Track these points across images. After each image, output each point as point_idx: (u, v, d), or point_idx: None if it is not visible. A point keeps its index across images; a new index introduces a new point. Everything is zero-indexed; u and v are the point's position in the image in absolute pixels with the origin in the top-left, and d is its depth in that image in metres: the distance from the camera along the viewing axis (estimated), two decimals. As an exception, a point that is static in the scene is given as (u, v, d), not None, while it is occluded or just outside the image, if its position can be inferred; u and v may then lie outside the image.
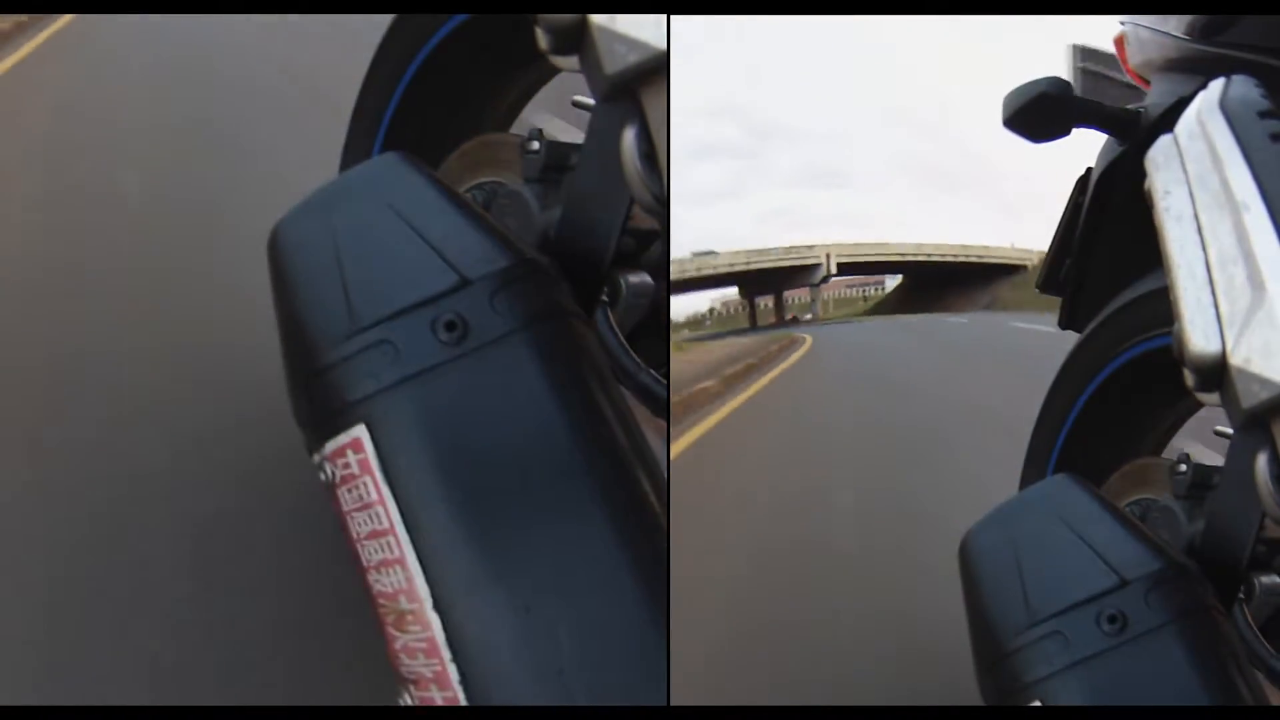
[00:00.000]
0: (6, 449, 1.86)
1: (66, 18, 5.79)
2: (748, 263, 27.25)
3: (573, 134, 1.32)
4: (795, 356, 10.73)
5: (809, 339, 14.02)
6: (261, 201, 1.35)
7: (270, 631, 1.51)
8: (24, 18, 5.56)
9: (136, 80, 4.60)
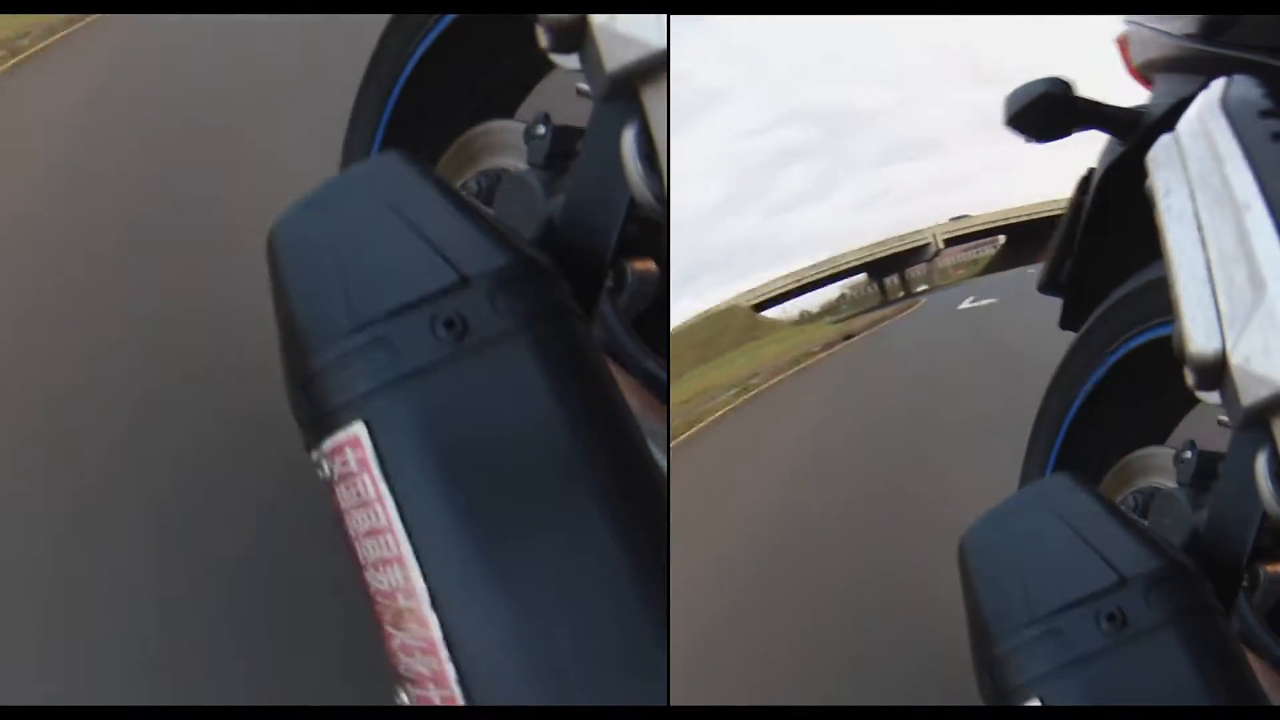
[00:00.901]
0: (6, 447, 1.86)
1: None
2: (871, 255, 32.33)
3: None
4: (914, 308, 19.01)
5: (924, 300, 21.83)
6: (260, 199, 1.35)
7: (268, 630, 1.51)
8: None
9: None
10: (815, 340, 13.96)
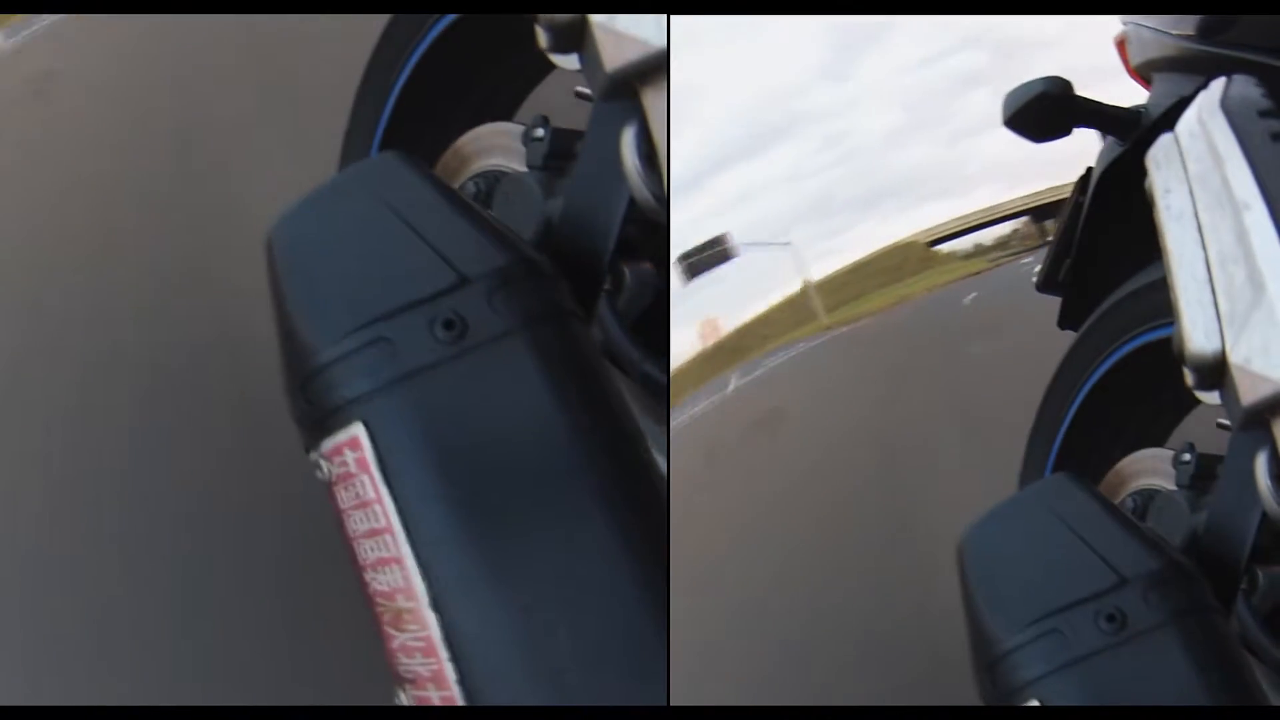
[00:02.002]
0: (5, 447, 1.86)
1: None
2: (1031, 202, 37.65)
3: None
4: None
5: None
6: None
7: (269, 631, 1.51)
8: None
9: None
10: (970, 270, 22.56)
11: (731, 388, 13.87)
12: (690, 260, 28.02)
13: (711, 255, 28.43)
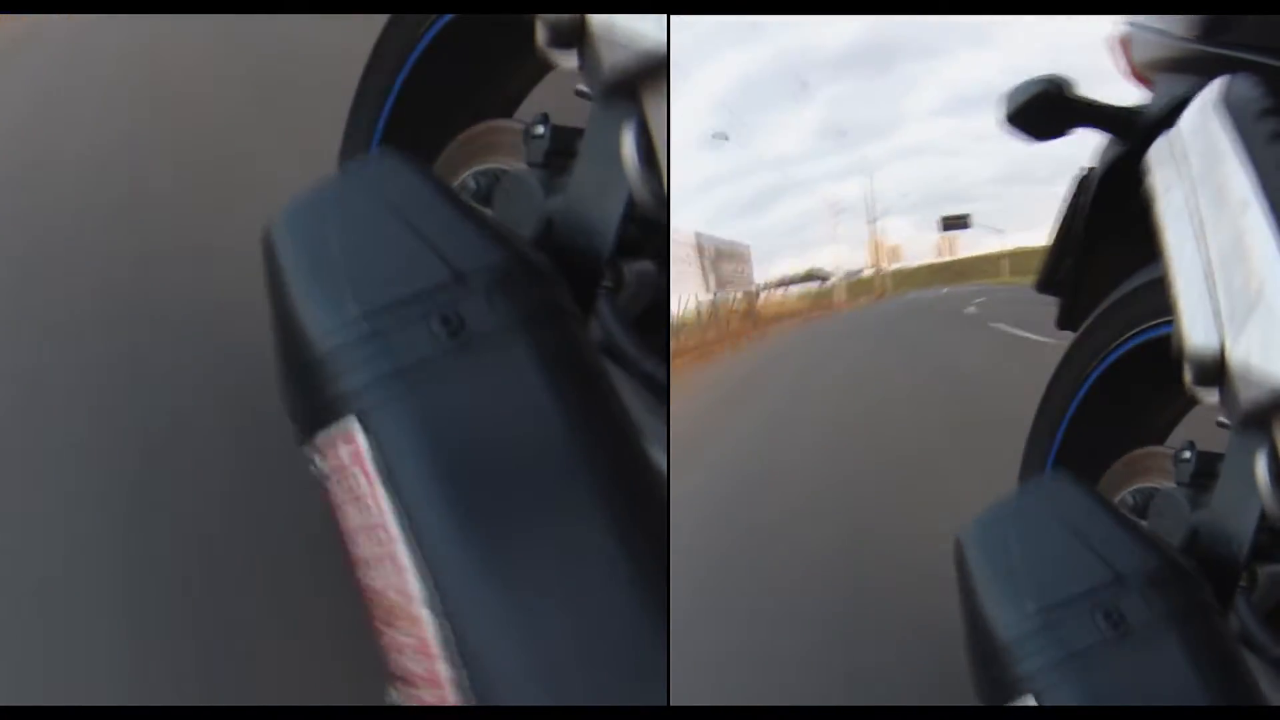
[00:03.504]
0: (5, 447, 1.86)
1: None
2: None
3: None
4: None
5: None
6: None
7: (267, 630, 1.51)
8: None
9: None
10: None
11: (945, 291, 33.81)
12: (947, 221, 51.76)
13: (957, 223, 51.99)
